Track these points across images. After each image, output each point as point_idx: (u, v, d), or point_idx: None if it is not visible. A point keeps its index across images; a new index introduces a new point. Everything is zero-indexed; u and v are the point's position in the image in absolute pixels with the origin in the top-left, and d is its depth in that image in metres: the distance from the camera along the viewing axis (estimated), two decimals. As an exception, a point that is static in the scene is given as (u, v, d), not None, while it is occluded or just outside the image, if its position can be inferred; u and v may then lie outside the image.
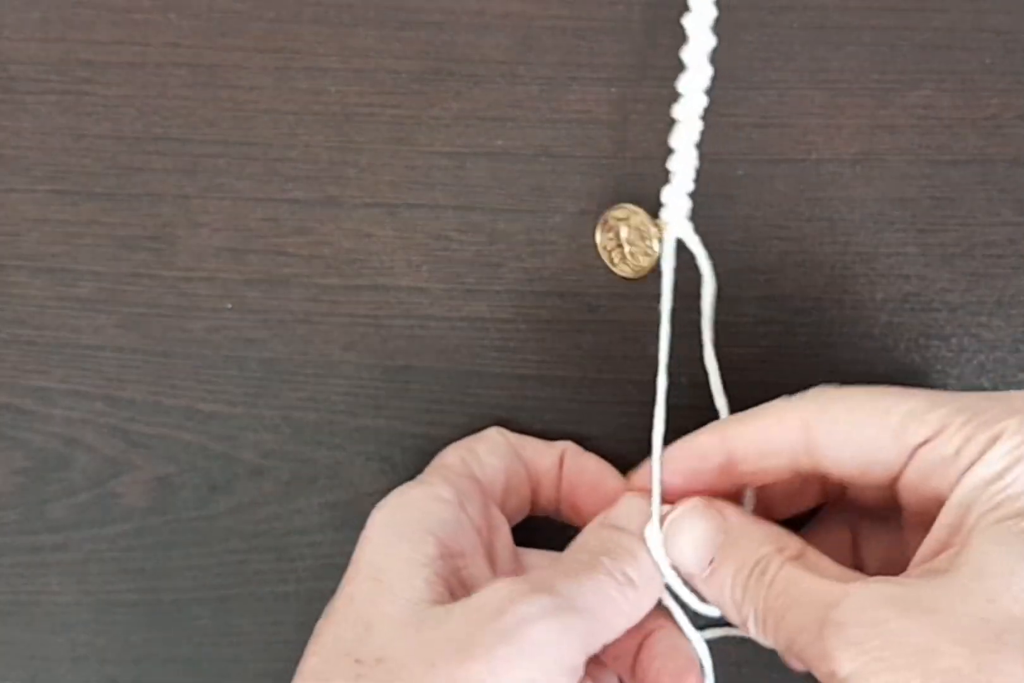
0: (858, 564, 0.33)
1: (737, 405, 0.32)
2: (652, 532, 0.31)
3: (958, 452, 0.27)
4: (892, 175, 0.34)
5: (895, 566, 0.28)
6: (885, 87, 0.34)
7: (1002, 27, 0.34)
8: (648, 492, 0.32)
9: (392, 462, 0.36)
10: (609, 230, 0.34)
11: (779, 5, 0.34)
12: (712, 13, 0.32)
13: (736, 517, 0.30)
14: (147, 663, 0.37)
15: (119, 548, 0.37)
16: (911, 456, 0.28)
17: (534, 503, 0.34)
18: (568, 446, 0.35)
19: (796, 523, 0.33)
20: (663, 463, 0.31)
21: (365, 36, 0.35)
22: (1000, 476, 0.26)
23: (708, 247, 0.33)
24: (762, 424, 0.30)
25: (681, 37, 0.33)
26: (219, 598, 0.37)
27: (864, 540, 0.33)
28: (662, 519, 0.31)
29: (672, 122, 0.33)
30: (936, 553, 0.27)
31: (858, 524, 0.33)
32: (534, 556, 0.34)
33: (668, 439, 0.32)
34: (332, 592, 0.30)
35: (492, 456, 0.33)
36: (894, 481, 0.29)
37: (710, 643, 0.33)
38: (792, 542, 0.29)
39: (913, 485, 0.28)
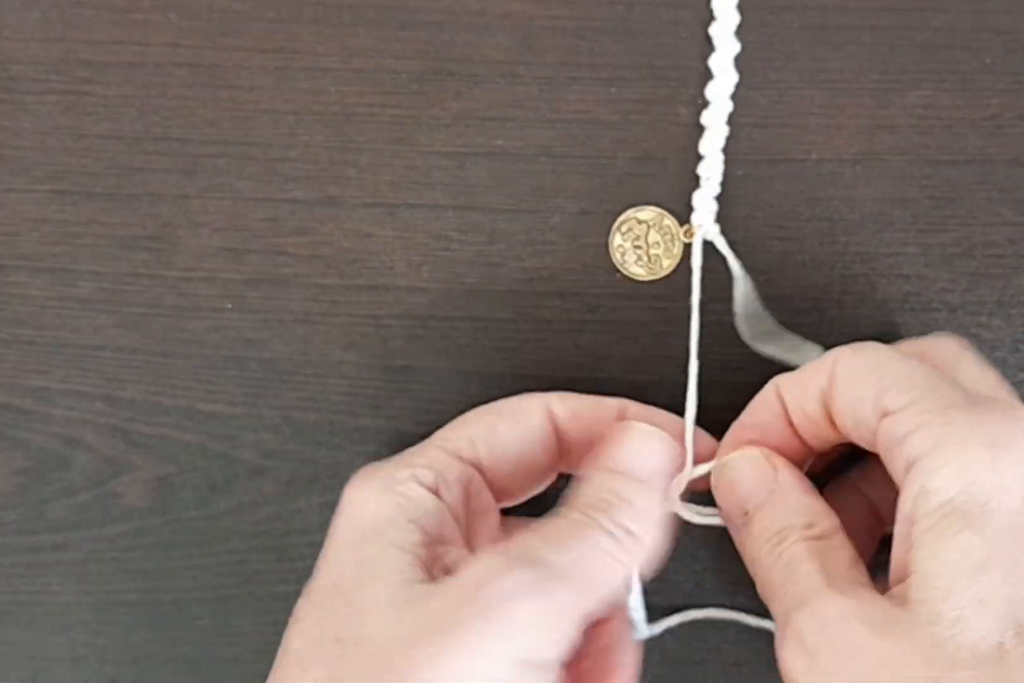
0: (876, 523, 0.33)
1: (737, 405, 0.32)
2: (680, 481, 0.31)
3: (905, 437, 0.27)
4: (892, 175, 0.34)
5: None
6: (885, 87, 0.34)
7: (1002, 27, 0.34)
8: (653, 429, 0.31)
9: (392, 462, 0.36)
10: (629, 231, 0.34)
11: (779, 5, 0.34)
12: (736, 19, 0.33)
13: (786, 477, 0.30)
14: (147, 663, 0.37)
15: (119, 548, 0.37)
16: (879, 423, 0.28)
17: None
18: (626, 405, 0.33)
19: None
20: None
21: (365, 36, 0.35)
22: (940, 485, 0.26)
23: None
24: (805, 371, 0.30)
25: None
26: (219, 598, 0.37)
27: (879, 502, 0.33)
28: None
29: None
30: (898, 573, 0.27)
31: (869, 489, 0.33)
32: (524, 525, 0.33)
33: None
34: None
35: (511, 441, 0.32)
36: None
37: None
38: (824, 521, 0.29)
39: (884, 456, 0.28)
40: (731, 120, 0.34)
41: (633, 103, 0.34)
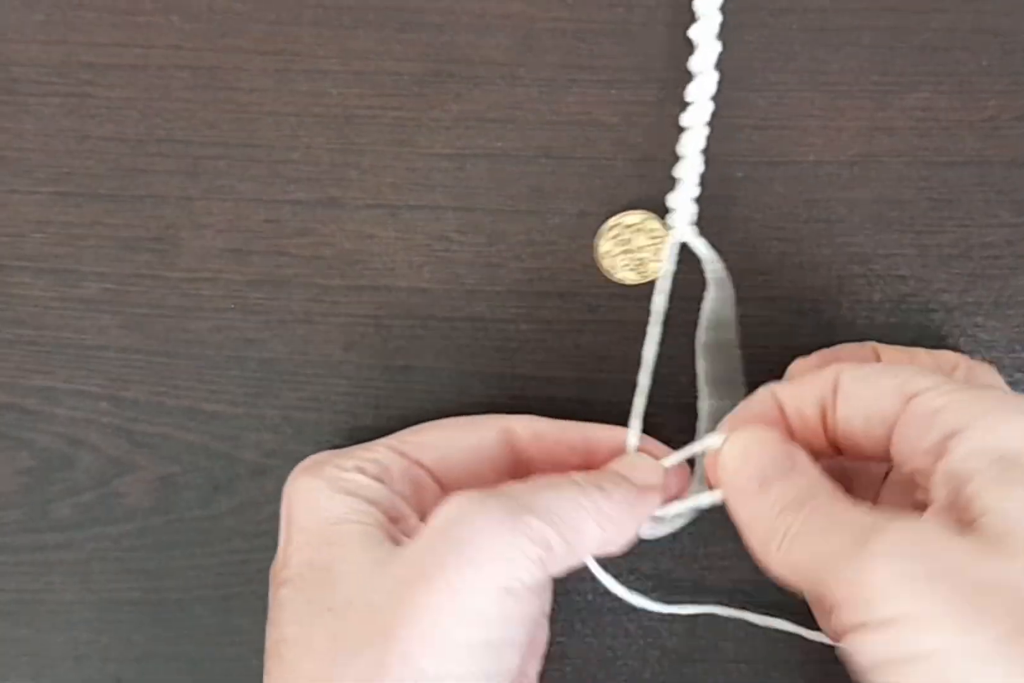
0: None
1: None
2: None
3: (941, 409, 0.27)
4: (890, 177, 0.35)
5: None
6: (884, 89, 0.34)
7: (1000, 29, 0.34)
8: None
9: (393, 462, 0.36)
10: (616, 236, 0.34)
11: (778, 7, 0.34)
12: (718, 20, 0.32)
13: (802, 456, 0.29)
14: (149, 662, 0.37)
15: (122, 547, 0.37)
16: (904, 406, 0.28)
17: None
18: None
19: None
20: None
21: (365, 38, 0.35)
22: (993, 445, 0.26)
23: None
24: (804, 379, 0.30)
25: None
26: (221, 597, 0.37)
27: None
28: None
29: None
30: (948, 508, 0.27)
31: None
32: None
33: (668, 437, 0.33)
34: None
35: (460, 452, 0.33)
36: (890, 435, 0.29)
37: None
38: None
39: (908, 433, 0.28)
40: (730, 122, 0.34)
41: (633, 105, 0.35)
